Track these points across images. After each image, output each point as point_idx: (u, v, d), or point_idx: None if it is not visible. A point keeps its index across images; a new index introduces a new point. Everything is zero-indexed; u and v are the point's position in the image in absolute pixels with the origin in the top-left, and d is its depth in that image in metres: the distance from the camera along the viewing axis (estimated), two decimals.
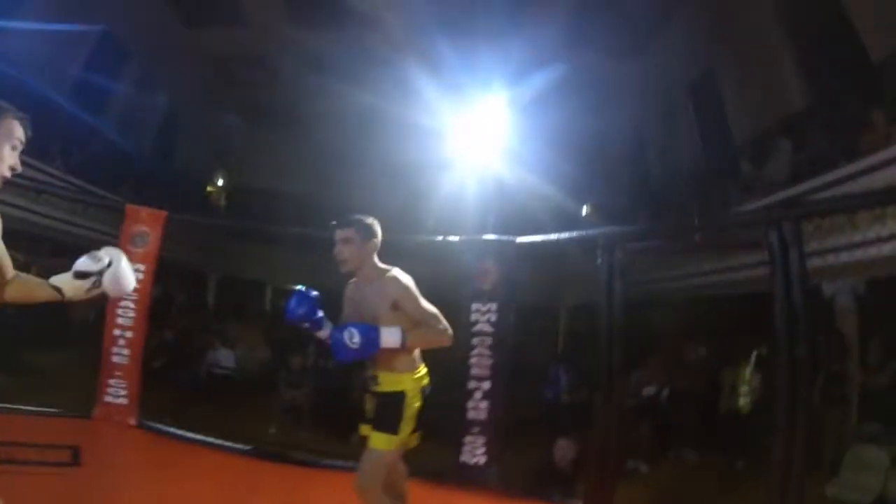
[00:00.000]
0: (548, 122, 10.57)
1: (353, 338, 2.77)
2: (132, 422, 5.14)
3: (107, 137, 14.38)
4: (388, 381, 2.99)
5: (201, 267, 13.86)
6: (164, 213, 5.50)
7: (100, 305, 10.80)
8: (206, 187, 17.79)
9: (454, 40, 11.01)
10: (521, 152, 10.62)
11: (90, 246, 2.43)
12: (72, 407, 5.53)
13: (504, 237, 5.16)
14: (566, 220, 10.14)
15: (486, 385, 4.85)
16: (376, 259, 3.04)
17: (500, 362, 4.94)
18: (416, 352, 3.04)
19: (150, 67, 15.72)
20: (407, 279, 2.97)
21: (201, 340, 10.18)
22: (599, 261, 4.60)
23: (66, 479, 3.91)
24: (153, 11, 13.93)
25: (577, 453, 5.56)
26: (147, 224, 5.35)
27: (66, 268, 2.41)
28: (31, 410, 5.19)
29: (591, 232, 5.78)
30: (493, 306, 4.92)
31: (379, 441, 2.93)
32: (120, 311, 5.18)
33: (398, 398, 2.95)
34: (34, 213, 9.78)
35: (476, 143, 10.58)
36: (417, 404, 2.98)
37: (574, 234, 5.48)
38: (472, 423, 4.84)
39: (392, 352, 2.89)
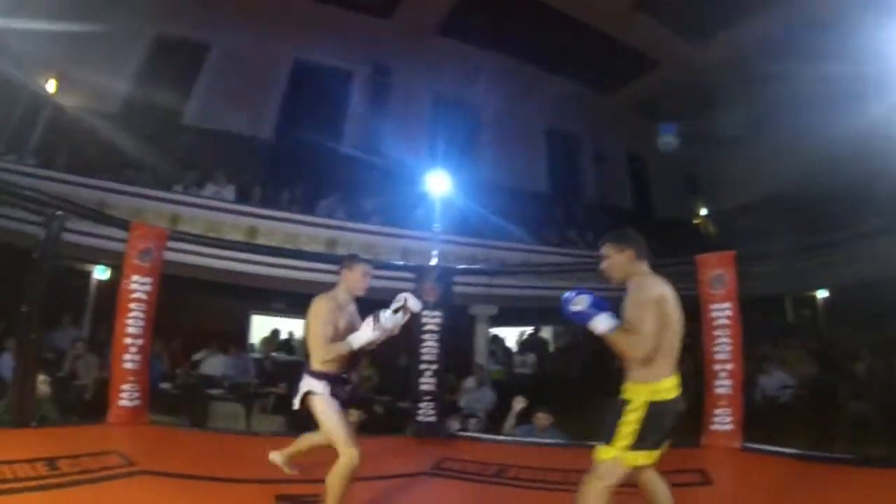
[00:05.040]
0: None
1: (581, 303, 3.01)
2: (737, 445, 5.37)
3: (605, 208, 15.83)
4: (624, 389, 3.06)
5: None
6: (732, 253, 5.75)
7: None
8: (692, 220, 18.20)
9: None
10: None
11: None
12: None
13: None
14: None
15: None
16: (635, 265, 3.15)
17: None
18: (660, 363, 2.98)
19: (597, 140, 17.19)
20: (640, 291, 3.02)
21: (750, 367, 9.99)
22: None
23: (701, 496, 4.19)
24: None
25: None
26: (721, 267, 5.67)
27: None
28: None
29: None
30: None
31: (598, 450, 3.02)
32: (716, 349, 5.56)
33: (621, 407, 2.99)
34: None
35: None
36: (638, 416, 2.92)
37: None
38: None
39: (631, 362, 3.00)
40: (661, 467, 4.57)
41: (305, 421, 7.60)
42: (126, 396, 5.40)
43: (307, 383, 3.70)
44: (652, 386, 2.96)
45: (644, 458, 2.98)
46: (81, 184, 9.56)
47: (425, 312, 6.17)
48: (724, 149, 16.45)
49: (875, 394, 8.14)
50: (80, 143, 10.55)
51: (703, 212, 18.42)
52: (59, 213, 5.29)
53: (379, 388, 9.24)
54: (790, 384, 9.09)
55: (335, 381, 3.71)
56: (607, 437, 2.97)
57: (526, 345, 13.62)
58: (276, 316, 12.68)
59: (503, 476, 4.68)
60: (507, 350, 13.27)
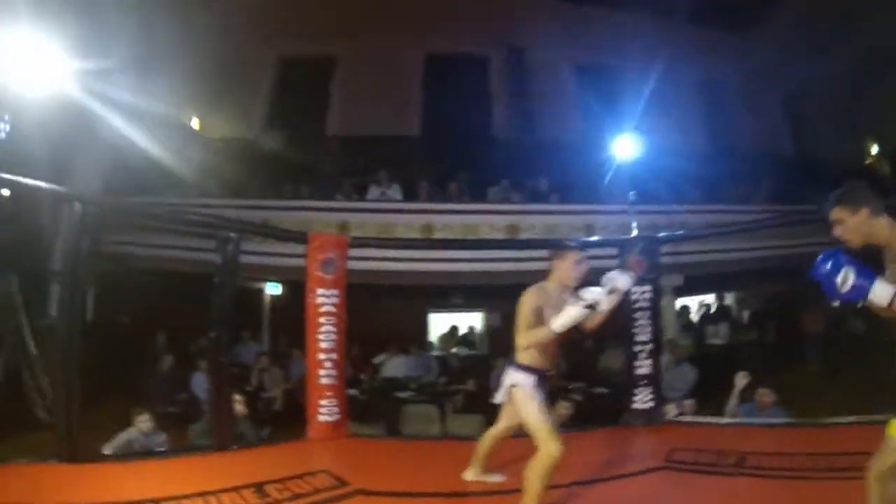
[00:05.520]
0: None
1: (846, 278, 2.42)
2: None
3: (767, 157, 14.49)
4: None
5: None
6: None
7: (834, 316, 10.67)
8: (861, 162, 16.20)
9: None
10: None
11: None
12: None
13: None
14: None
15: None
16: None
17: None
18: None
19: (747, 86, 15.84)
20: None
21: None
22: None
23: None
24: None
25: None
26: None
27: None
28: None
29: None
30: None
31: (890, 425, 2.57)
32: None
33: None
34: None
35: None
36: None
37: None
38: None
39: None
40: None
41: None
42: (325, 411, 5.25)
43: (511, 377, 3.53)
44: None
45: None
46: (243, 206, 9.67)
47: (635, 288, 5.56)
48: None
49: None
50: (232, 170, 10.78)
51: (874, 150, 16.35)
52: (233, 235, 5.14)
53: (568, 375, 8.72)
54: None
55: (540, 376, 3.50)
56: None
57: (714, 314, 12.63)
58: (454, 311, 12.65)
59: (745, 466, 4.12)
60: (693, 322, 12.37)
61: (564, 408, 5.86)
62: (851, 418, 5.08)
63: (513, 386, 3.49)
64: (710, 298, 13.80)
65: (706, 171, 12.28)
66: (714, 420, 5.74)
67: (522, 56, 13.73)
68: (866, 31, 14.20)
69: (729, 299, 14.30)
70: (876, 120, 15.99)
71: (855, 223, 2.64)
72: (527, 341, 3.46)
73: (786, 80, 15.95)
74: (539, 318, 3.46)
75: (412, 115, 13.10)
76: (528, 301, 3.51)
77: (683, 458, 4.34)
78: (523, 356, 3.52)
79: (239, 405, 5.51)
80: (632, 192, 7.06)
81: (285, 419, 7.19)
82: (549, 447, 3.20)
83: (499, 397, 3.65)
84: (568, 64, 14.08)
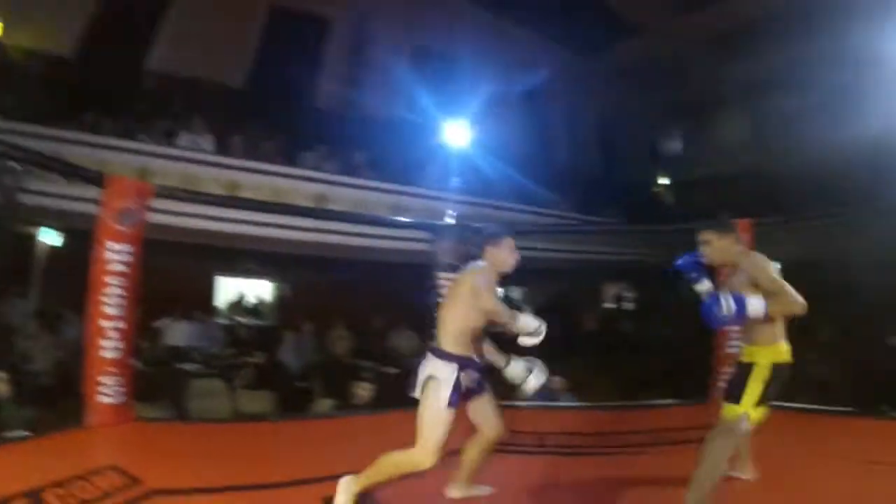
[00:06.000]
0: None
1: (729, 305, 3.00)
2: None
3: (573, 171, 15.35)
4: (746, 353, 3.27)
5: None
6: (750, 221, 5.42)
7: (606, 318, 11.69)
8: (650, 189, 18.13)
9: None
10: None
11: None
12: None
13: None
14: None
15: None
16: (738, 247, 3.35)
17: None
18: (777, 328, 3.18)
19: (572, 102, 16.70)
20: (766, 263, 3.16)
21: None
22: None
23: None
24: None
25: None
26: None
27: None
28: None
29: None
30: None
31: (727, 409, 3.18)
32: None
33: (747, 369, 3.18)
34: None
35: None
36: (765, 376, 3.11)
37: None
38: None
39: (752, 325, 3.16)
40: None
41: (298, 394, 7.10)
42: (106, 391, 4.41)
43: (431, 365, 3.19)
44: (775, 348, 3.17)
45: (762, 414, 3.16)
46: (30, 133, 8.22)
47: (441, 274, 5.86)
48: (694, 122, 16.60)
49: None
50: (27, 88, 9.33)
51: (663, 181, 18.39)
52: (15, 165, 4.18)
53: (356, 354, 8.91)
54: None
55: (464, 364, 3.19)
56: (735, 398, 3.15)
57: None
58: (244, 277, 12.08)
59: (545, 445, 4.55)
60: None
61: (365, 389, 5.80)
62: (631, 402, 6.32)
63: (430, 378, 3.14)
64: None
65: (522, 173, 12.85)
66: (510, 403, 5.88)
67: (366, 27, 13.47)
68: (680, 81, 15.62)
69: (515, 293, 15.08)
70: (672, 156, 17.77)
71: (720, 245, 3.33)
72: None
73: (610, 106, 17.23)
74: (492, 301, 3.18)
75: (241, 65, 12.44)
76: (481, 281, 3.19)
77: None
78: (449, 341, 3.20)
79: (2, 384, 4.72)
80: (454, 180, 7.15)
81: (54, 396, 6.15)
82: (422, 456, 3.02)
83: (415, 391, 3.20)
84: (408, 43, 13.95)
